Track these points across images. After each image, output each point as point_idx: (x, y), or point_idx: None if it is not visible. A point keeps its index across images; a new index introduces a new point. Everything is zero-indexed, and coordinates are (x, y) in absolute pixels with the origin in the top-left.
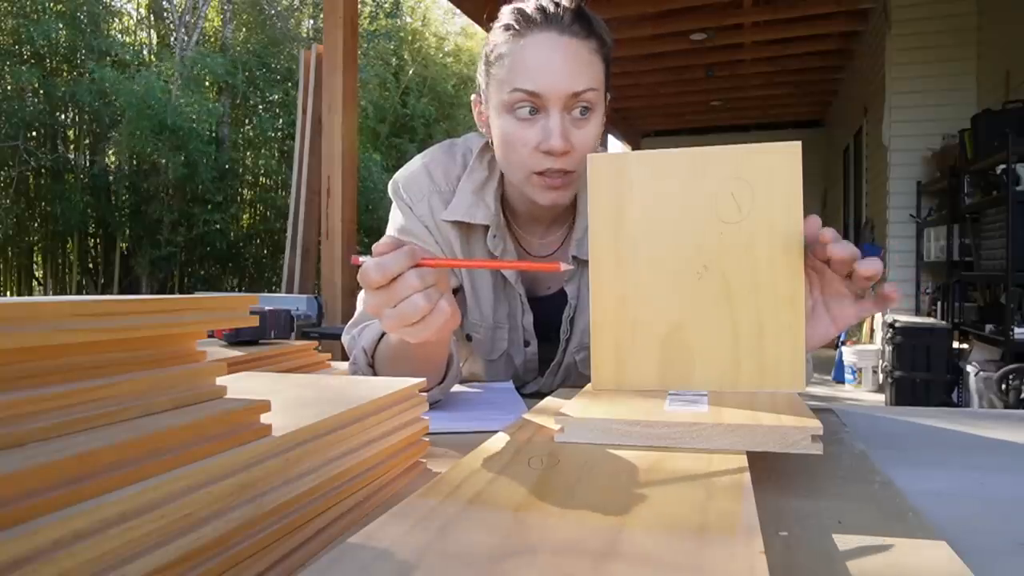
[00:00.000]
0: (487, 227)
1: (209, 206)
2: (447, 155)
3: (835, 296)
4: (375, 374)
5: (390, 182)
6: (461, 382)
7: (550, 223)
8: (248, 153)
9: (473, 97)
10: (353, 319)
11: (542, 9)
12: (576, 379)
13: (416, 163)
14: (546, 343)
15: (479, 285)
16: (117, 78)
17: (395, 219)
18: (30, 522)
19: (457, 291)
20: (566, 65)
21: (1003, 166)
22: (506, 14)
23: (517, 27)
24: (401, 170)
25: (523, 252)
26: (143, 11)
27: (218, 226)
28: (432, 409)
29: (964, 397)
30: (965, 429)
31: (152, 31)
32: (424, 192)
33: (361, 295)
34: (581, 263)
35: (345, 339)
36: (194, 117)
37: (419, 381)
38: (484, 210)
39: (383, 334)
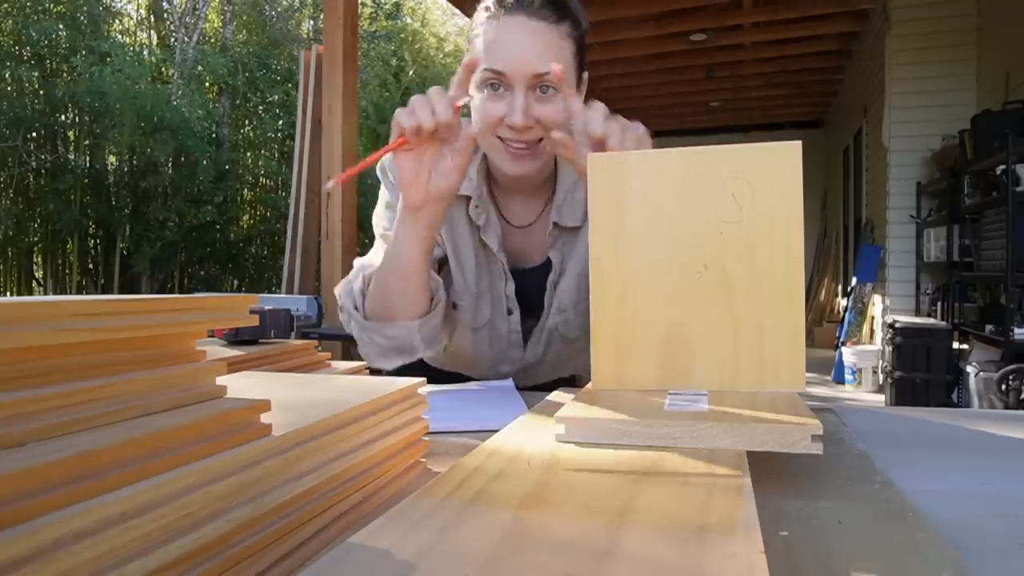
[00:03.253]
0: (469, 198)
1: (209, 206)
2: None
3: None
4: (363, 316)
5: (378, 165)
6: (460, 380)
7: (531, 194)
8: (248, 154)
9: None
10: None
11: None
12: (560, 347)
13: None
14: (532, 315)
15: (463, 255)
16: (112, 73)
17: (383, 196)
18: (30, 522)
19: (443, 264)
20: (531, 47)
21: (1003, 167)
22: None
23: (493, 10)
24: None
25: (504, 222)
26: (143, 12)
27: (217, 225)
28: (432, 409)
29: (964, 398)
30: (965, 429)
31: (152, 32)
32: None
33: (357, 261)
34: (563, 229)
35: (337, 290)
36: (193, 116)
37: (419, 381)
38: (467, 182)
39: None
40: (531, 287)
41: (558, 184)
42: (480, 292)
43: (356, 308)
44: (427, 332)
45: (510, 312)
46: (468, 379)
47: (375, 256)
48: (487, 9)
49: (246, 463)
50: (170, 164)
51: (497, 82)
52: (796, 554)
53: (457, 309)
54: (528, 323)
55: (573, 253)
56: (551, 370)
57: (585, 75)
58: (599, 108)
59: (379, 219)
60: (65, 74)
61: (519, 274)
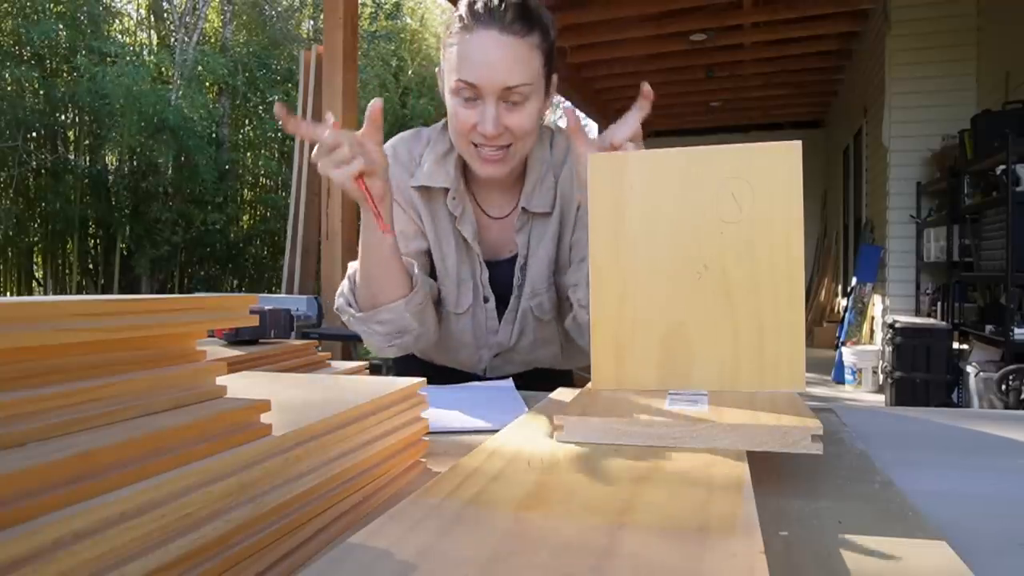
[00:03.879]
0: (447, 190)
1: (208, 207)
2: (413, 136)
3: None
4: (358, 309)
5: None
6: (460, 380)
7: (506, 187)
8: (248, 154)
9: (437, 70)
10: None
11: (487, 6)
12: (536, 329)
13: (387, 144)
14: (505, 301)
15: (444, 245)
16: (115, 77)
17: None
18: (30, 522)
19: (427, 252)
20: (503, 62)
21: (1003, 167)
22: (461, 6)
23: (466, 21)
24: None
25: (480, 212)
26: (143, 12)
27: (218, 226)
28: (432, 409)
29: (964, 398)
30: (965, 429)
31: (152, 32)
32: (390, 163)
33: (351, 264)
34: (531, 215)
35: (336, 301)
36: (194, 117)
37: (419, 381)
38: (444, 176)
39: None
40: (506, 276)
41: (527, 176)
42: (461, 279)
43: (350, 305)
44: (414, 308)
45: (486, 300)
46: (467, 379)
47: None
48: (460, 20)
49: (246, 463)
50: (170, 165)
51: (469, 92)
52: (796, 554)
53: (441, 294)
54: (501, 310)
55: (543, 238)
56: (527, 355)
57: (555, 78)
58: (632, 127)
59: None
60: (65, 74)
61: (497, 264)
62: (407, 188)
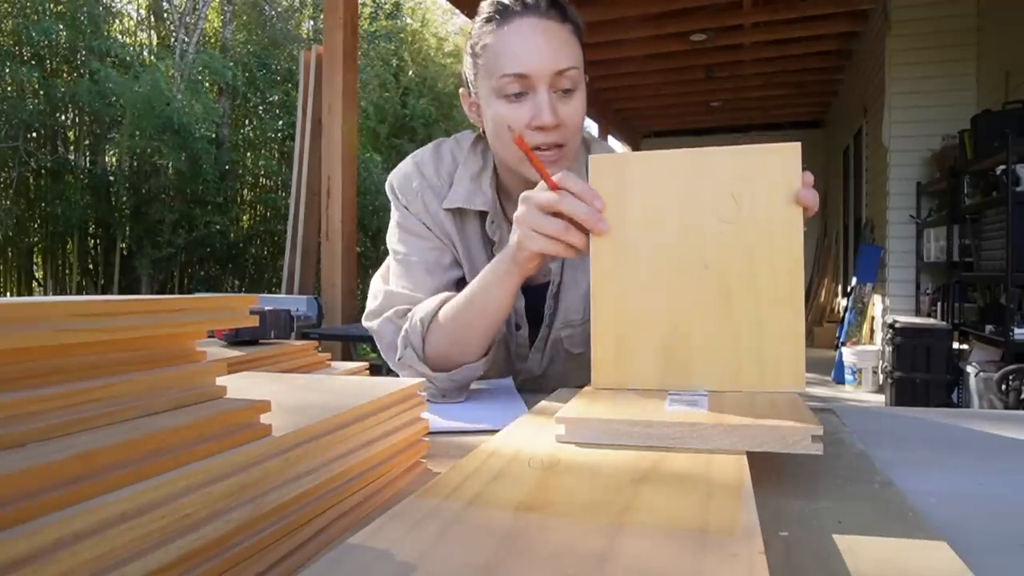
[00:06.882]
0: (482, 213)
1: (209, 207)
2: (435, 152)
3: None
4: (423, 345)
5: (386, 183)
6: None
7: None
8: (248, 154)
9: (461, 91)
10: (372, 309)
11: None
12: (564, 359)
13: (408, 162)
14: (536, 328)
15: (478, 271)
16: (119, 78)
17: (395, 217)
18: (30, 522)
19: (461, 280)
20: (549, 45)
21: (1003, 167)
22: (486, 8)
23: (499, 17)
24: (394, 171)
25: None
26: (143, 12)
27: (218, 227)
28: (432, 409)
29: (964, 398)
30: (965, 429)
31: (152, 32)
32: (417, 189)
33: (372, 290)
34: None
35: (373, 325)
36: (195, 117)
37: (419, 381)
38: (481, 197)
39: (438, 308)
40: (539, 303)
41: None
42: None
43: (420, 359)
44: (478, 369)
45: (518, 327)
46: None
47: (400, 282)
48: (489, 19)
49: (246, 463)
50: (170, 165)
51: (518, 86)
52: (796, 554)
53: None
54: (533, 334)
55: (577, 266)
56: (556, 382)
57: (586, 77)
58: None
59: (392, 240)
60: (65, 74)
61: (528, 291)
62: (438, 211)
